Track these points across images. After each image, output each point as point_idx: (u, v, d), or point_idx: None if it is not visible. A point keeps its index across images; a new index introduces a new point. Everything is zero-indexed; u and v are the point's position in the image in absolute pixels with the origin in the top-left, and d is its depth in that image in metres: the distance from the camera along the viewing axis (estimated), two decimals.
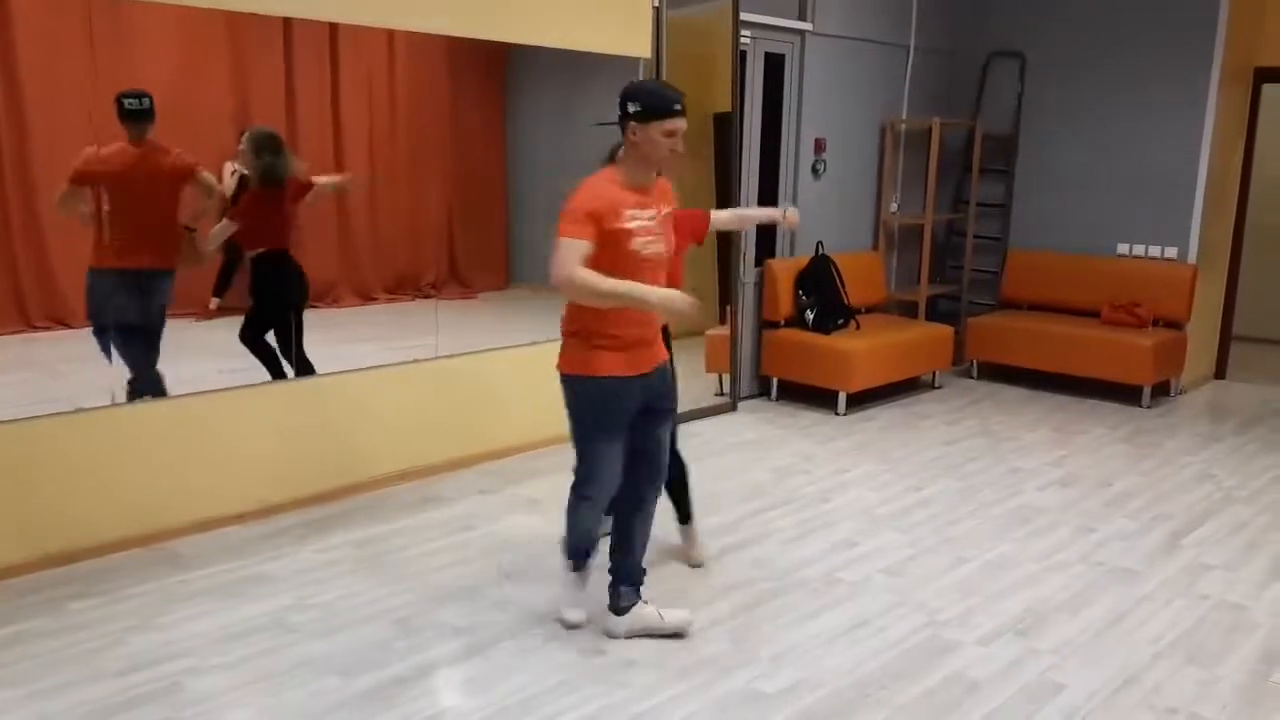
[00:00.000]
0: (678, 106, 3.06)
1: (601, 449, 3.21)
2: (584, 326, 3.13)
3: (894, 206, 7.45)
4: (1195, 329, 7.04)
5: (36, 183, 4.05)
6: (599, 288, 2.94)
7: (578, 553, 3.43)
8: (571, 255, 2.92)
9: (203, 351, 4.55)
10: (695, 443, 5.63)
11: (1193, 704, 3.05)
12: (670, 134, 3.04)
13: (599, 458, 3.22)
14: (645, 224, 3.08)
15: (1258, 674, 3.24)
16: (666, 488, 3.69)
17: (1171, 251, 6.97)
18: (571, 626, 3.41)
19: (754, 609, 3.62)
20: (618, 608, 3.36)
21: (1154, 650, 3.38)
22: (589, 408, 3.19)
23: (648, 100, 3.05)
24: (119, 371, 4.08)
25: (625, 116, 3.06)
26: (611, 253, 3.00)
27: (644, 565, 3.43)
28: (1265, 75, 7.13)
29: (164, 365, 4.27)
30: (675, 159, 3.10)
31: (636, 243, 3.05)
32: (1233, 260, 7.46)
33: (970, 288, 7.86)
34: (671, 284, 3.25)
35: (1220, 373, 7.65)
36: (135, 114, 4.09)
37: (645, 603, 3.38)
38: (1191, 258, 6.91)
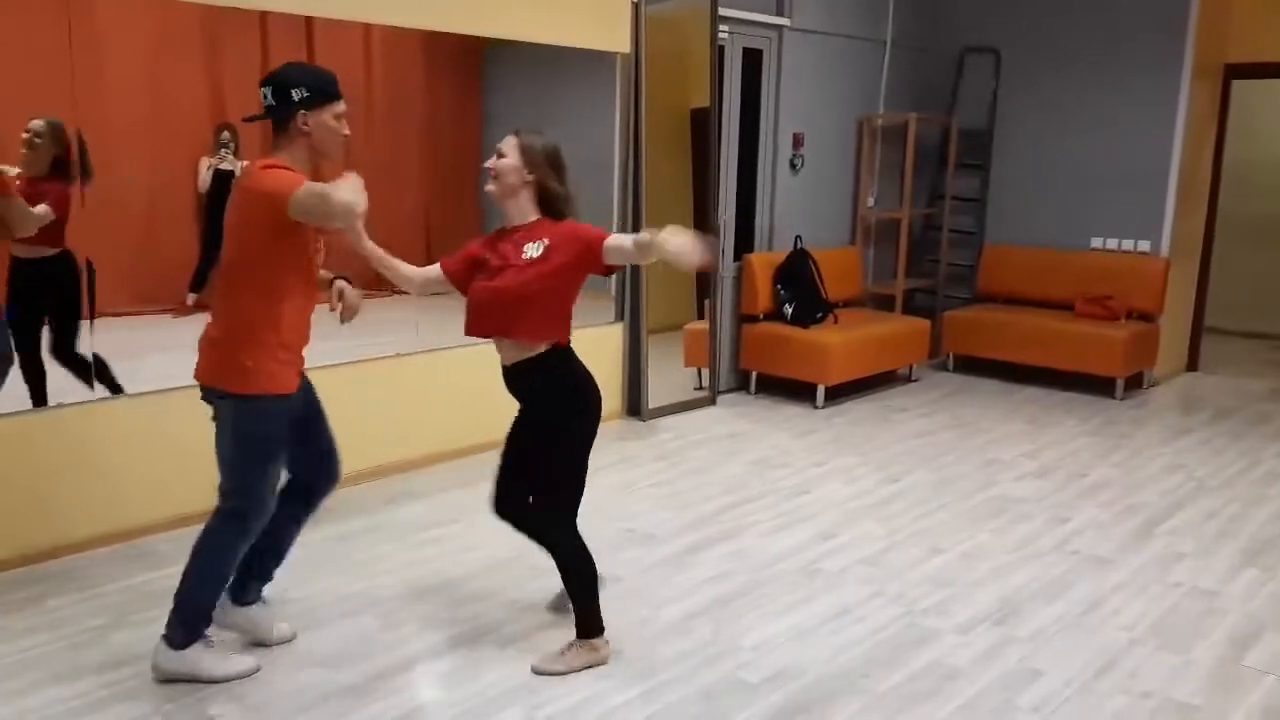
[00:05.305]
0: (338, 88, 2.86)
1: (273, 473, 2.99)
2: (252, 334, 2.83)
3: (871, 201, 7.49)
4: (1167, 322, 7.13)
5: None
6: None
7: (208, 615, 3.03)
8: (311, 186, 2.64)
9: (181, 348, 4.51)
10: (673, 435, 5.66)
11: (1167, 688, 3.10)
12: (340, 117, 2.85)
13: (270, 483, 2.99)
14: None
15: (1228, 658, 3.30)
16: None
17: (1144, 245, 7.06)
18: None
19: (735, 600, 3.64)
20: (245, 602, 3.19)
21: (1129, 636, 3.44)
22: (267, 430, 2.90)
23: (315, 84, 2.78)
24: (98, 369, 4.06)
25: (291, 105, 2.76)
26: (295, 246, 2.82)
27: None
28: (1235, 71, 7.22)
29: (141, 361, 4.24)
30: (344, 144, 2.91)
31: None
32: (1204, 254, 7.56)
33: (946, 282, 7.92)
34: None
35: (1192, 365, 7.75)
36: None
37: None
38: (1164, 251, 7.00)
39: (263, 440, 2.92)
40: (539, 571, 3.80)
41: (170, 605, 2.98)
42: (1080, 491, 4.92)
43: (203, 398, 2.94)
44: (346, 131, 2.88)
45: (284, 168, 2.76)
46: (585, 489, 3.21)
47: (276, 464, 3.00)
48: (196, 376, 2.93)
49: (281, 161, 2.78)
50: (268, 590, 3.27)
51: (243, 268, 2.82)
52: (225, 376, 2.87)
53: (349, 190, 2.55)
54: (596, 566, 3.17)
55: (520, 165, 2.98)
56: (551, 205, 3.02)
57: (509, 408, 3.19)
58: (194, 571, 2.96)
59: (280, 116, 2.81)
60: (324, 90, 2.81)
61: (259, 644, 3.19)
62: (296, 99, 2.76)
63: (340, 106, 2.84)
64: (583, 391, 3.07)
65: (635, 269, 5.86)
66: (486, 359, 5.18)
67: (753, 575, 3.86)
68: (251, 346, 2.83)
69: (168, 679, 2.97)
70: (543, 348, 3.01)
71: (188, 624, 2.97)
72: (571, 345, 3.08)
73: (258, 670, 3.06)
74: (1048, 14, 7.33)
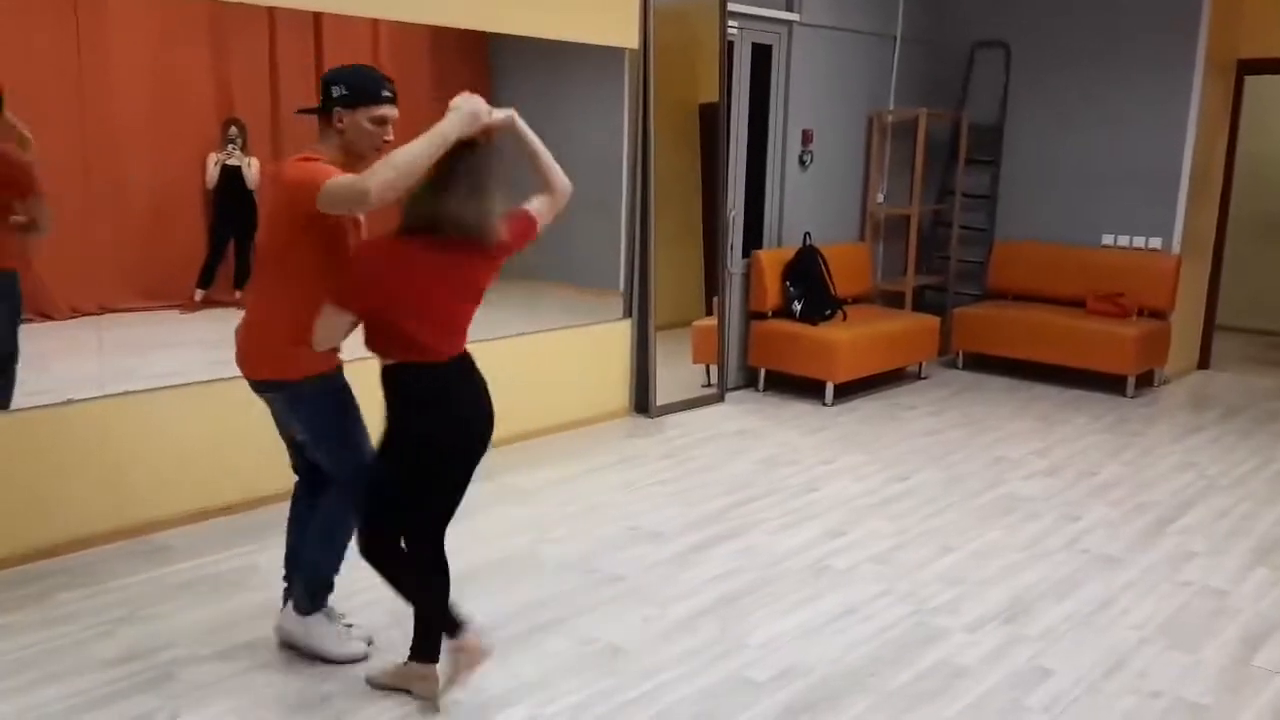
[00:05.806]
0: (387, 93, 2.85)
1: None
2: (279, 324, 2.87)
3: (880, 197, 7.47)
4: (1179, 319, 7.09)
5: None
6: (415, 154, 2.59)
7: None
8: (352, 178, 2.64)
9: (189, 344, 4.53)
10: (681, 433, 5.65)
11: (1177, 687, 3.08)
12: (379, 121, 2.84)
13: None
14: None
15: (1239, 658, 3.28)
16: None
17: (1156, 242, 7.01)
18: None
19: (742, 598, 3.63)
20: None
21: (1138, 636, 3.42)
22: (324, 412, 2.98)
23: (354, 84, 2.83)
24: (107, 363, 4.06)
25: (330, 101, 2.83)
26: (325, 238, 2.82)
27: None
28: (1248, 67, 7.17)
29: (147, 357, 4.25)
30: (384, 150, 2.82)
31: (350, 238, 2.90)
32: (1216, 251, 7.52)
33: (956, 278, 7.89)
34: None
35: (1204, 362, 7.70)
36: None
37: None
38: (1176, 248, 6.96)
39: (324, 419, 2.99)
40: (542, 570, 3.80)
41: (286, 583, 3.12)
42: (1090, 490, 4.90)
43: (252, 389, 2.99)
44: (388, 137, 2.88)
45: (316, 159, 2.80)
46: (430, 524, 2.99)
47: (355, 430, 3.04)
48: (245, 374, 2.97)
49: (315, 153, 2.83)
50: (331, 599, 3.26)
51: (273, 256, 2.87)
52: (261, 367, 2.92)
53: (417, 146, 2.61)
54: (435, 592, 2.97)
55: None
56: None
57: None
58: (314, 546, 3.11)
59: (322, 110, 2.88)
60: (363, 91, 2.84)
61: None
62: (335, 95, 2.84)
63: (378, 110, 2.84)
64: (420, 413, 2.82)
65: (643, 267, 5.85)
66: (487, 357, 5.19)
67: (760, 573, 3.85)
68: (278, 334, 2.87)
69: (287, 642, 3.15)
70: (390, 360, 2.81)
71: (311, 591, 3.13)
72: (439, 364, 2.82)
73: (367, 656, 3.13)
74: (1058, 9, 7.29)
